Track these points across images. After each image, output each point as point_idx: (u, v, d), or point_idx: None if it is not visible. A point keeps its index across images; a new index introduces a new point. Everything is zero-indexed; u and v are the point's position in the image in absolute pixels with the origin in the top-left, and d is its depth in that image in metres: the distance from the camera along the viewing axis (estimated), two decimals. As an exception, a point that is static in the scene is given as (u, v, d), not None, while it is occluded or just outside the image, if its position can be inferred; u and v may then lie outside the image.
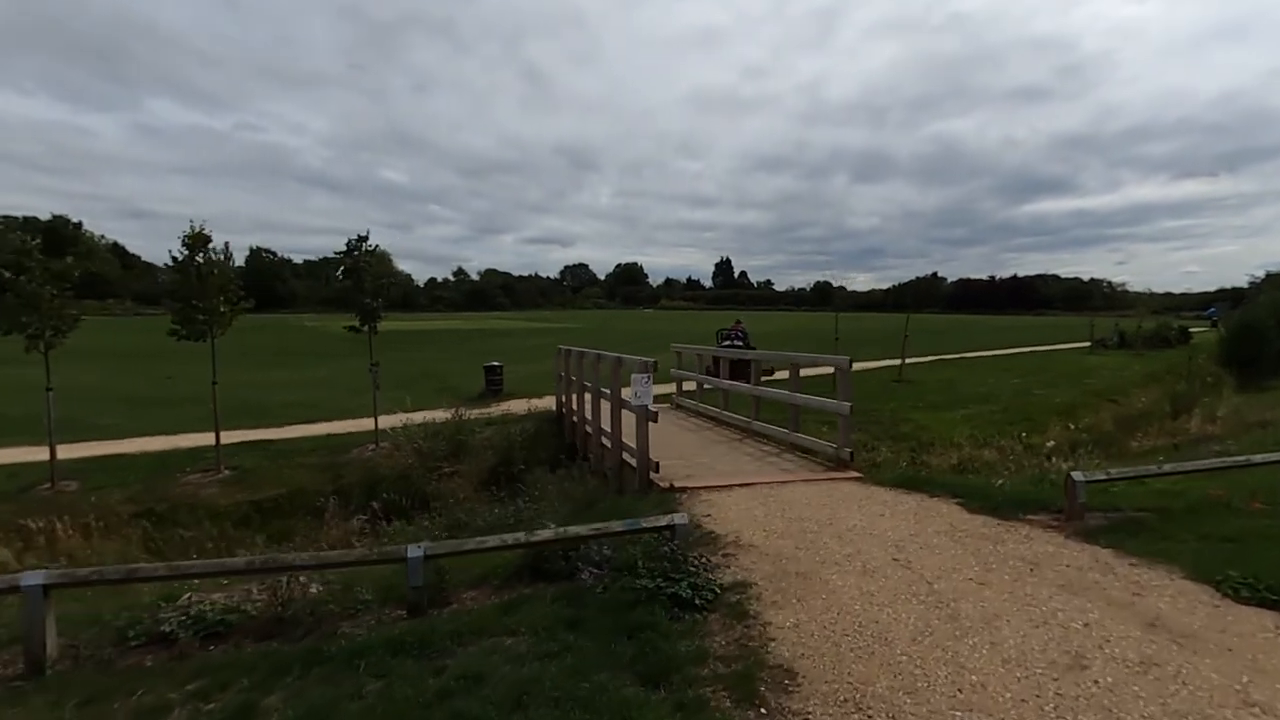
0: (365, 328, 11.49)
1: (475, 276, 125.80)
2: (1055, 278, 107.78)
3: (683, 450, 8.21)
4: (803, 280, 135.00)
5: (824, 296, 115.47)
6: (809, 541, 4.78)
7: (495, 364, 17.59)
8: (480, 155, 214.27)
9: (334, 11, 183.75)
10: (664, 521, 4.33)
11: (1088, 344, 30.82)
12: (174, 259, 9.84)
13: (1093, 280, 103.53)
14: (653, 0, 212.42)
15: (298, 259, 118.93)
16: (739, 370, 11.84)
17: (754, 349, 24.11)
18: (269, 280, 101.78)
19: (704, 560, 4.30)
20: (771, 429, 8.86)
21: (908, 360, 25.15)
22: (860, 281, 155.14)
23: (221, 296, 10.03)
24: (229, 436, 11.64)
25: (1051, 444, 12.98)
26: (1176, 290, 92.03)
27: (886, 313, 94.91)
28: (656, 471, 6.69)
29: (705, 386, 12.27)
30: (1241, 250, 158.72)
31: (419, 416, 11.78)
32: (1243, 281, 64.40)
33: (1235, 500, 5.90)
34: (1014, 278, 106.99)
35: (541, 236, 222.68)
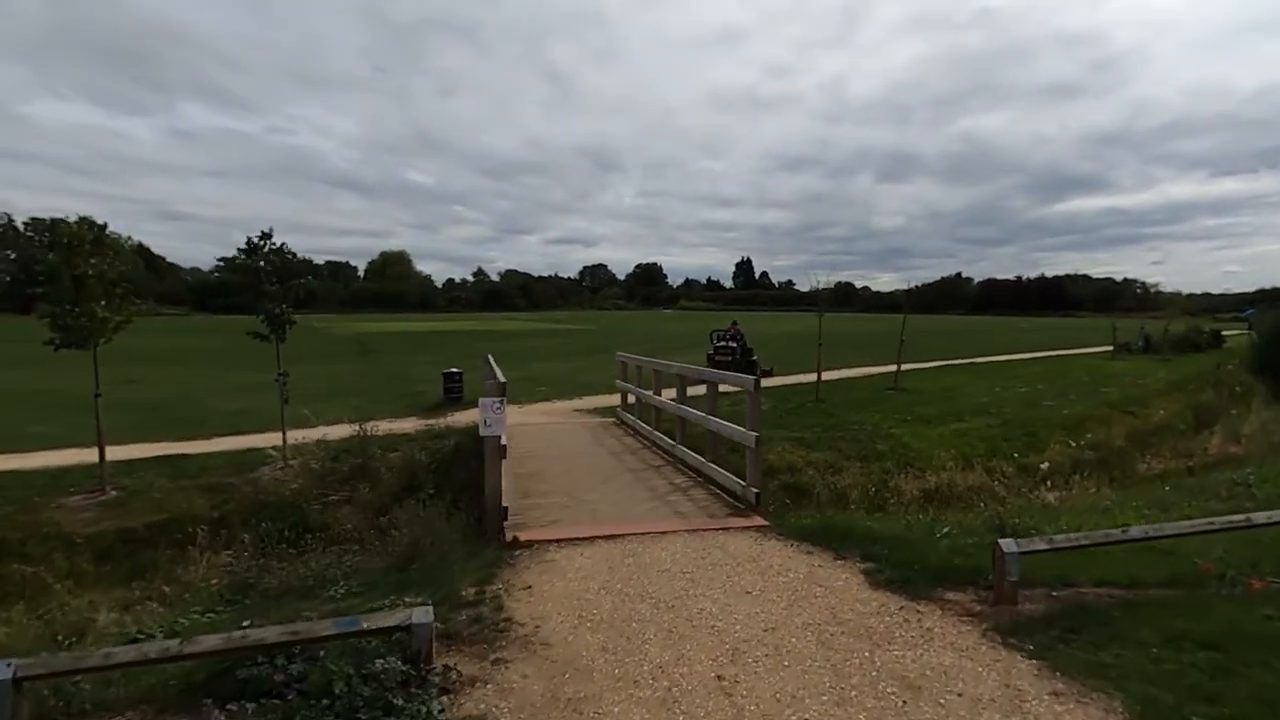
0: (273, 335, 10.47)
1: (495, 277, 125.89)
2: (1086, 278, 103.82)
3: (576, 482, 7.03)
4: (828, 280, 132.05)
5: (844, 298, 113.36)
6: (627, 639, 3.55)
7: (454, 370, 16.54)
8: (504, 156, 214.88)
9: (358, 15, 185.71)
10: (396, 620, 3.14)
11: (1110, 348, 28.87)
12: (41, 264, 8.90)
13: (1126, 280, 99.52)
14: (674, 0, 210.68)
15: (319, 259, 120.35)
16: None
17: (750, 352, 22.94)
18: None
19: (452, 677, 3.12)
20: (692, 456, 7.63)
21: (911, 366, 23.64)
22: (884, 282, 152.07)
23: (104, 301, 9.05)
24: (147, 450, 10.75)
25: (1045, 465, 11.49)
26: (1216, 291, 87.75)
27: (908, 314, 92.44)
28: (505, 519, 5.50)
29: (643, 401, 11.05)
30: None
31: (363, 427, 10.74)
32: (1287, 281, 61.25)
33: (1231, 571, 4.54)
34: (1041, 278, 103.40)
35: (565, 237, 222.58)
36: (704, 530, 5.37)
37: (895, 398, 17.09)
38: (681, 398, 8.11)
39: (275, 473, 10.01)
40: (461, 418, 13.56)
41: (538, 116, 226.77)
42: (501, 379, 5.74)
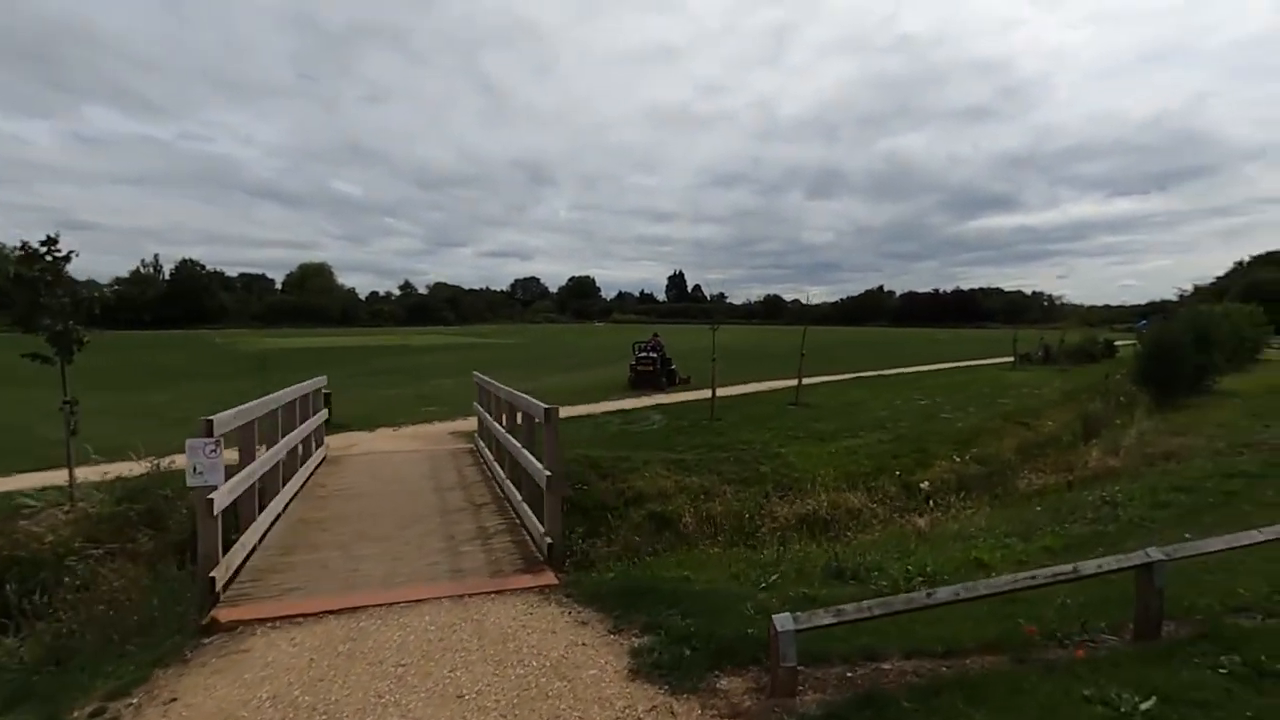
0: (58, 357, 8.93)
1: (425, 290, 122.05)
2: (999, 291, 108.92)
3: (367, 529, 5.97)
4: (760, 294, 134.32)
5: (775, 310, 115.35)
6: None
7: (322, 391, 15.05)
8: (437, 168, 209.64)
9: (283, 20, 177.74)
10: None
11: (1012, 359, 29.62)
12: None
13: (1034, 293, 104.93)
14: (609, 15, 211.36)
15: (233, 272, 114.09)
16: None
17: (670, 362, 22.36)
18: (197, 294, 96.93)
19: None
20: (513, 492, 6.65)
21: (821, 379, 23.45)
22: (816, 295, 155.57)
23: None
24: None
25: (926, 485, 11.07)
26: (1114, 303, 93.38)
27: (834, 325, 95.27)
28: (216, 590, 4.38)
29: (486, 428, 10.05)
30: (1174, 265, 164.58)
31: (157, 463, 9.28)
32: (1173, 295, 65.64)
33: (1060, 631, 3.90)
34: (957, 291, 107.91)
35: (500, 250, 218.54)
36: (473, 596, 4.41)
37: (795, 414, 16.64)
38: (511, 425, 7.13)
39: (43, 519, 8.48)
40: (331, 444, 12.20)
41: (472, 128, 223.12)
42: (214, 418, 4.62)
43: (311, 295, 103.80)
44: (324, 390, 14.82)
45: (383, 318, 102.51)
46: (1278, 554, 5.06)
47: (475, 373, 10.34)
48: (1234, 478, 8.69)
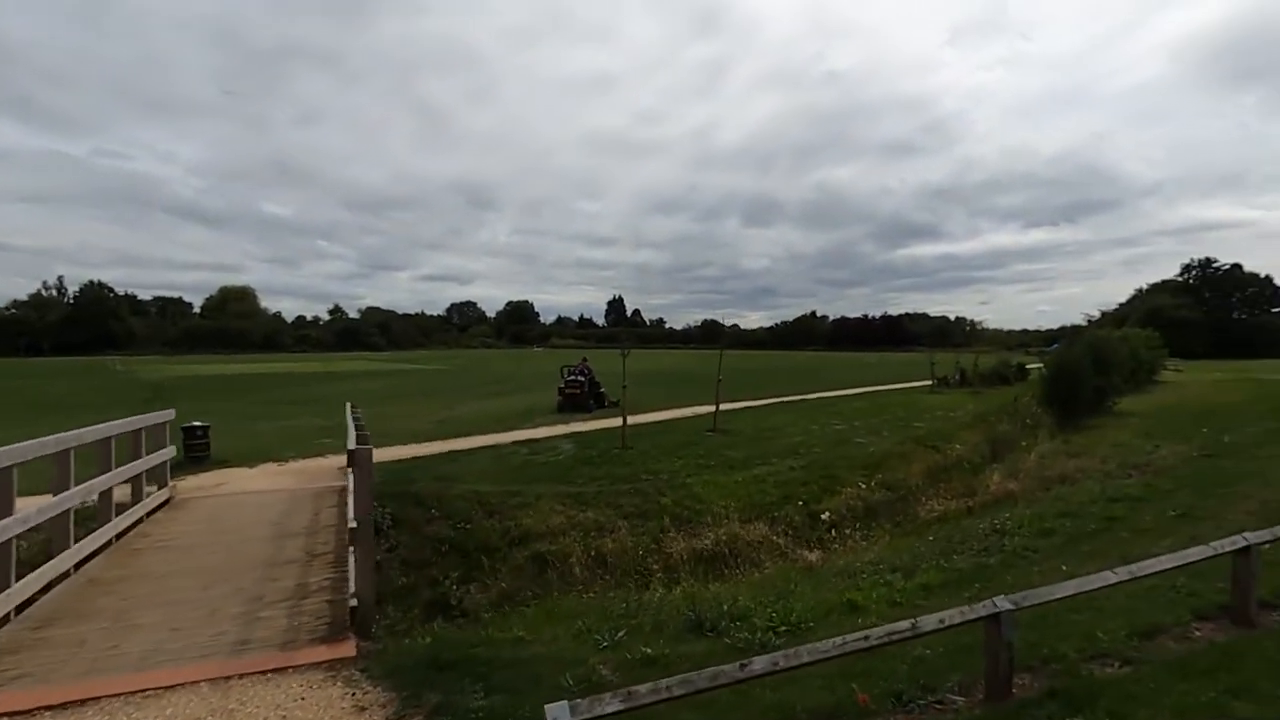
0: None
1: (356, 315, 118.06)
2: (925, 316, 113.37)
3: (165, 588, 5.14)
4: (699, 318, 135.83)
5: (712, 334, 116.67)
6: None
7: (197, 424, 13.78)
8: (372, 190, 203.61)
9: (205, 34, 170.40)
10: None
11: (930, 382, 30.30)
12: None
13: (957, 318, 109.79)
14: (547, 43, 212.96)
15: (148, 295, 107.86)
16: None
17: (598, 386, 21.87)
18: (103, 318, 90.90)
19: None
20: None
21: (743, 405, 23.29)
22: (753, 320, 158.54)
23: None
24: None
25: (827, 516, 10.82)
26: (1031, 327, 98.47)
27: (769, 350, 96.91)
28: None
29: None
30: (1085, 291, 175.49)
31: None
32: (1082, 320, 69.65)
33: (907, 693, 3.50)
34: (885, 316, 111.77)
35: (438, 274, 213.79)
36: (245, 677, 3.70)
37: (710, 440, 16.26)
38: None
39: None
40: (186, 485, 11.04)
41: (409, 150, 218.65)
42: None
43: (232, 319, 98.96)
44: (200, 426, 13.68)
45: (309, 343, 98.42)
46: (1141, 589, 4.87)
47: (349, 404, 9.53)
48: (1118, 502, 8.73)
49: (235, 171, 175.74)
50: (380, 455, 13.77)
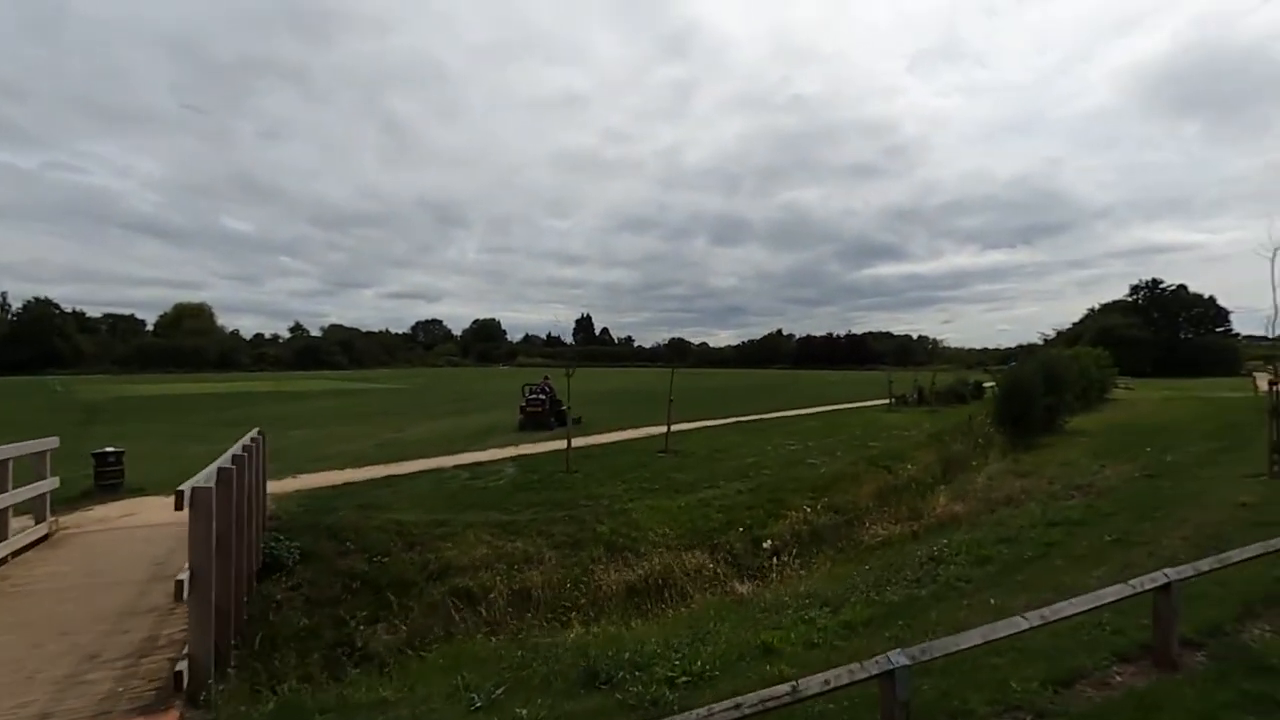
0: None
1: (318, 333, 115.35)
2: (889, 335, 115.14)
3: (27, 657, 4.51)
4: (667, 336, 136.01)
5: (680, 353, 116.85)
6: None
7: (110, 450, 12.89)
8: (338, 206, 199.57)
9: (164, 46, 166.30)
10: None
11: (889, 401, 30.39)
12: None
13: (920, 337, 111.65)
14: (516, 62, 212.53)
15: (98, 312, 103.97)
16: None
17: (559, 404, 21.40)
18: (47, 336, 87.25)
19: None
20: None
21: (699, 424, 22.98)
22: (723, 338, 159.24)
23: None
24: None
25: (769, 544, 10.46)
26: (991, 346, 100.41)
27: (735, 368, 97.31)
28: None
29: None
30: (1041, 311, 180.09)
31: None
32: (1039, 339, 71.27)
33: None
34: (850, 335, 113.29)
35: (405, 292, 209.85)
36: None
37: (660, 462, 15.86)
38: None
39: None
40: (90, 516, 10.25)
41: (376, 167, 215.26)
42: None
43: (186, 337, 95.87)
44: (113, 451, 12.80)
45: (266, 361, 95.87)
46: (1065, 627, 4.57)
47: (256, 428, 8.90)
48: (1056, 526, 8.53)
49: (196, 186, 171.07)
50: (309, 481, 13.11)
